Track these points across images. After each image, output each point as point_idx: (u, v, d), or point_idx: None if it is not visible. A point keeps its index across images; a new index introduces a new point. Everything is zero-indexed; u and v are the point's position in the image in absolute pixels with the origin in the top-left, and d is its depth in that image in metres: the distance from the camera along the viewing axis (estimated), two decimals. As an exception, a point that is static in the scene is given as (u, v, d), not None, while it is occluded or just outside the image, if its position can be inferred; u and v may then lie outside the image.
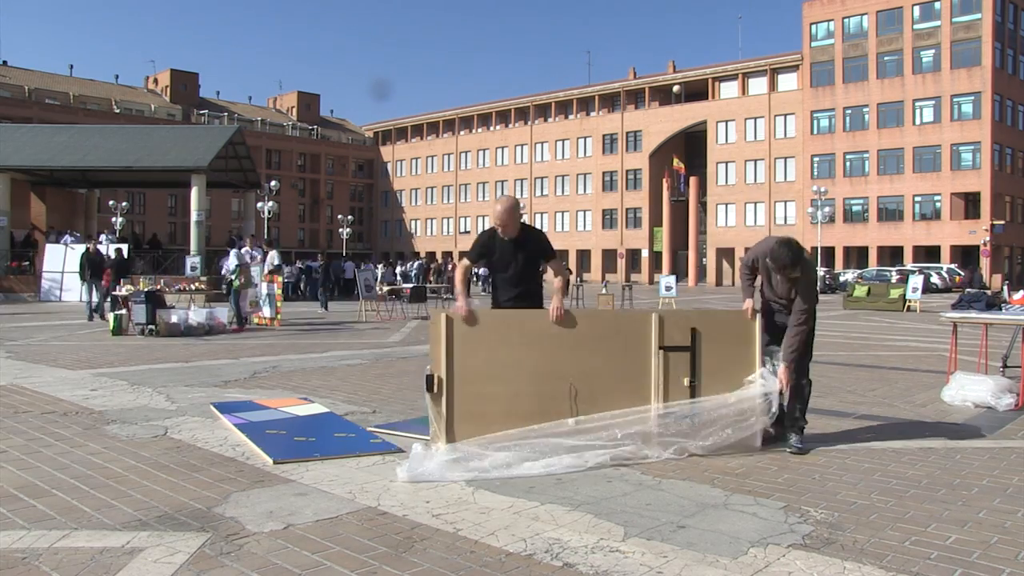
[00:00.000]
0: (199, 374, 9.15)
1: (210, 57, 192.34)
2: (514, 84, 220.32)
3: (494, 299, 5.85)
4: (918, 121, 53.16)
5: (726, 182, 61.77)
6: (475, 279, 28.22)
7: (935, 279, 42.24)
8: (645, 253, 66.30)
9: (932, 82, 52.43)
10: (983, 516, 4.08)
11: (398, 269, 36.28)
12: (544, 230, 72.65)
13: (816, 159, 57.40)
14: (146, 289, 14.90)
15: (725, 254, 62.17)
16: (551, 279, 5.79)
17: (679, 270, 61.32)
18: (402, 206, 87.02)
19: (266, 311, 16.37)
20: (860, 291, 27.03)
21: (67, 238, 28.08)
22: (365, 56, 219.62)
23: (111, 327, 14.15)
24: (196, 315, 14.49)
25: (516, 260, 5.59)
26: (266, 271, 16.66)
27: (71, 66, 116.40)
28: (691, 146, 65.43)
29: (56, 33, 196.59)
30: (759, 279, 5.81)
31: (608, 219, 69.33)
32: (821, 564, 3.40)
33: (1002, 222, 50.41)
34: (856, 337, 15.11)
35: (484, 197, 78.06)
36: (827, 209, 49.07)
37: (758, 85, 60.62)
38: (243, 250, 17.40)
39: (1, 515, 3.96)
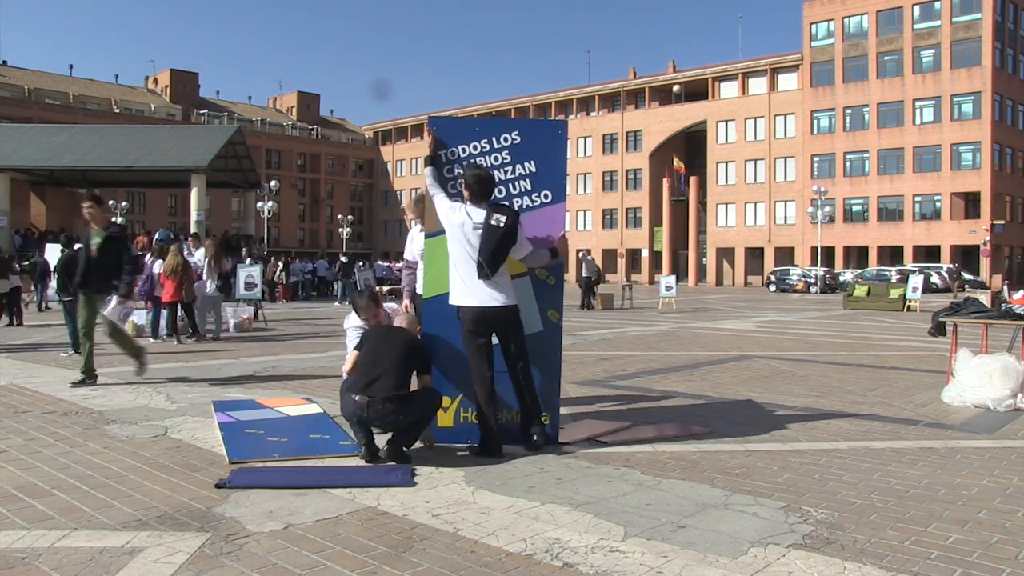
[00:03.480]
0: (199, 374, 9.14)
1: (210, 57, 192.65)
2: (514, 84, 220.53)
3: None
4: (918, 121, 53.19)
5: (726, 182, 61.79)
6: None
7: (935, 279, 42.26)
8: (645, 253, 66.34)
9: (932, 82, 52.44)
10: (983, 516, 4.08)
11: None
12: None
13: (816, 159, 57.42)
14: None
15: (725, 254, 62.19)
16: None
17: (679, 270, 61.36)
18: (402, 206, 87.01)
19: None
20: (860, 291, 27.06)
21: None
22: (365, 56, 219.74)
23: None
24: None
25: None
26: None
27: (71, 66, 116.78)
28: (691, 146, 65.45)
29: (56, 33, 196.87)
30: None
31: (608, 219, 69.36)
32: (821, 564, 3.39)
33: (1002, 222, 50.43)
34: (856, 337, 15.12)
35: (484, 197, 77.95)
36: (827, 209, 49.09)
37: (758, 85, 60.65)
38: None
39: (1, 515, 3.96)
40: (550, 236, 5.70)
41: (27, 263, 20.22)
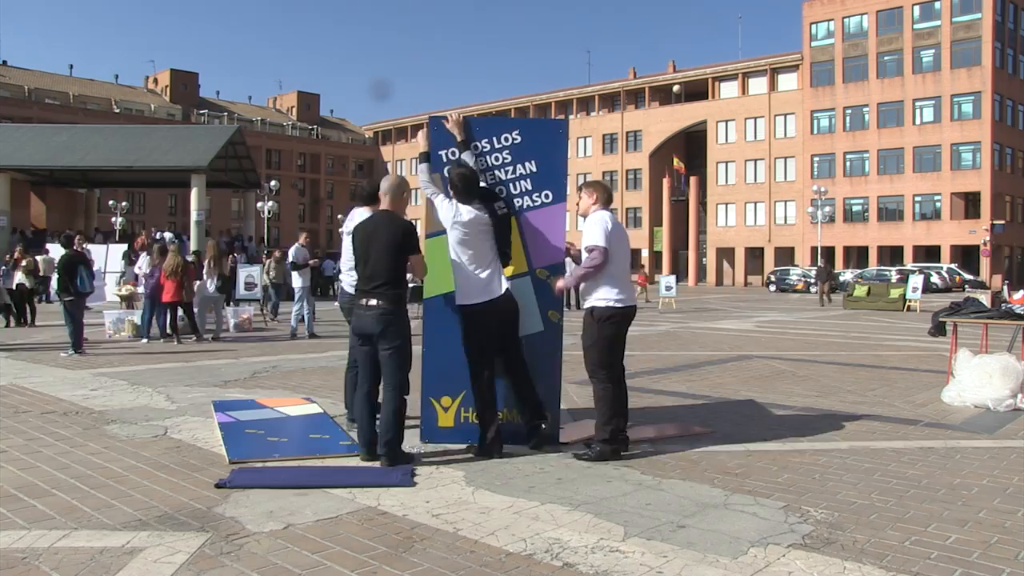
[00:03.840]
0: (199, 374, 9.15)
1: (210, 57, 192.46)
2: (514, 84, 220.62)
3: None
4: (918, 121, 53.16)
5: (726, 182, 61.77)
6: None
7: (935, 279, 42.25)
8: (645, 253, 66.28)
9: (932, 82, 52.42)
10: (983, 516, 4.08)
11: None
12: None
13: (816, 159, 57.40)
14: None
15: (725, 254, 62.18)
16: None
17: (679, 270, 61.31)
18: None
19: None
20: (860, 291, 27.05)
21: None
22: (365, 56, 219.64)
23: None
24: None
25: None
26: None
27: (71, 66, 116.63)
28: (691, 146, 65.43)
29: (56, 33, 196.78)
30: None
31: (608, 219, 69.24)
32: (821, 564, 3.40)
33: (1002, 222, 50.41)
34: (856, 337, 15.11)
35: (484, 197, 77.96)
36: (827, 209, 49.05)
37: (758, 85, 60.61)
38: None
39: (1, 515, 3.96)
40: (551, 236, 5.71)
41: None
